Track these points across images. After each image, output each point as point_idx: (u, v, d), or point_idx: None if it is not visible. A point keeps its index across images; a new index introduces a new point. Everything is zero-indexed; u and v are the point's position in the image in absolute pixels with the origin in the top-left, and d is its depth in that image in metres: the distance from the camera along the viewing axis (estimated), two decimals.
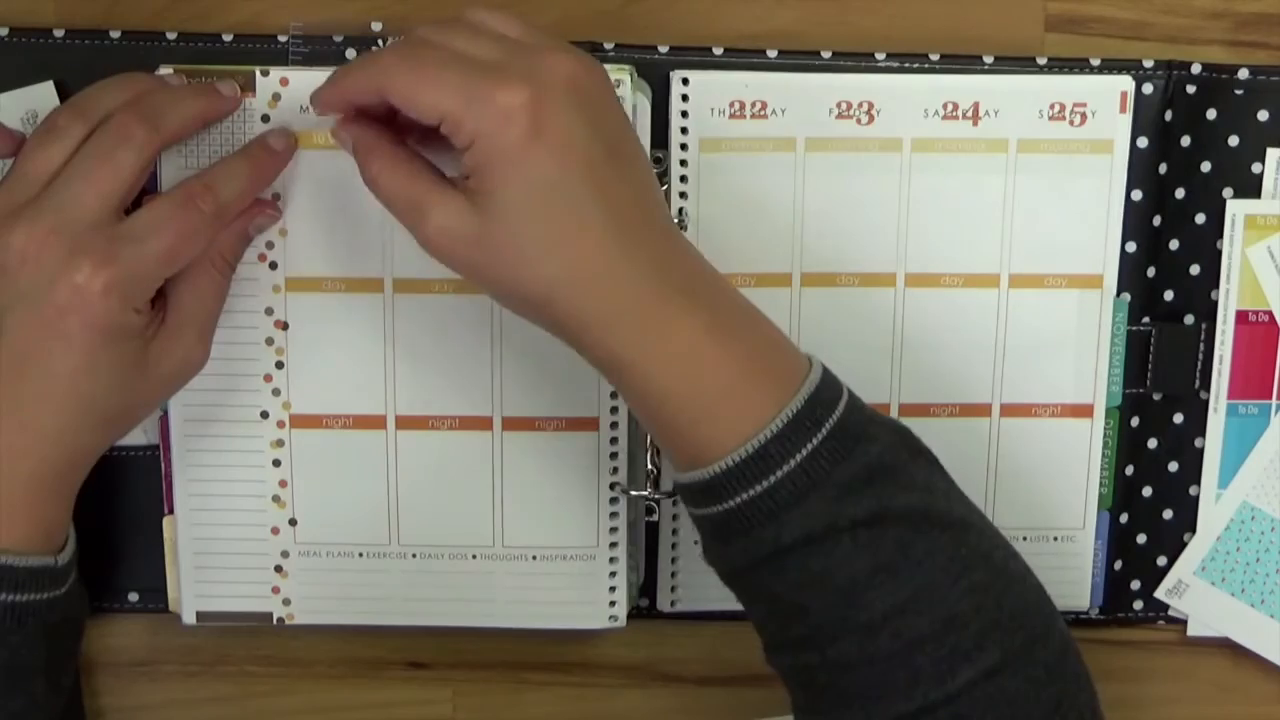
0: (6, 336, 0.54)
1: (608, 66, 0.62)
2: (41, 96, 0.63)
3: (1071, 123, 0.65)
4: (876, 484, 0.52)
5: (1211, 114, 0.66)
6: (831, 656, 0.52)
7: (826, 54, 0.65)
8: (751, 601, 0.55)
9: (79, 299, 0.54)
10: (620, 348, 0.52)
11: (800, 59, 0.64)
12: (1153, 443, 0.68)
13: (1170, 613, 0.69)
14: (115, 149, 0.55)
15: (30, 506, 0.56)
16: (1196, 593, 0.68)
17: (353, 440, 0.64)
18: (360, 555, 0.65)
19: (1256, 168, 0.66)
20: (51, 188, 0.55)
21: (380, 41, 0.64)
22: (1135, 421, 0.68)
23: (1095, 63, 0.65)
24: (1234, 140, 0.66)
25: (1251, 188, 0.66)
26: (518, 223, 0.51)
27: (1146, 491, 0.68)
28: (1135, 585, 0.69)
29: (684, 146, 0.64)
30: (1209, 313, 0.67)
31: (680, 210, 0.64)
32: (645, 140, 0.64)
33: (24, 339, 0.54)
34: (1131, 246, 0.66)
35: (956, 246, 0.65)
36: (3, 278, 0.54)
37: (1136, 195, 0.66)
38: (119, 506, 0.66)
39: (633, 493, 0.65)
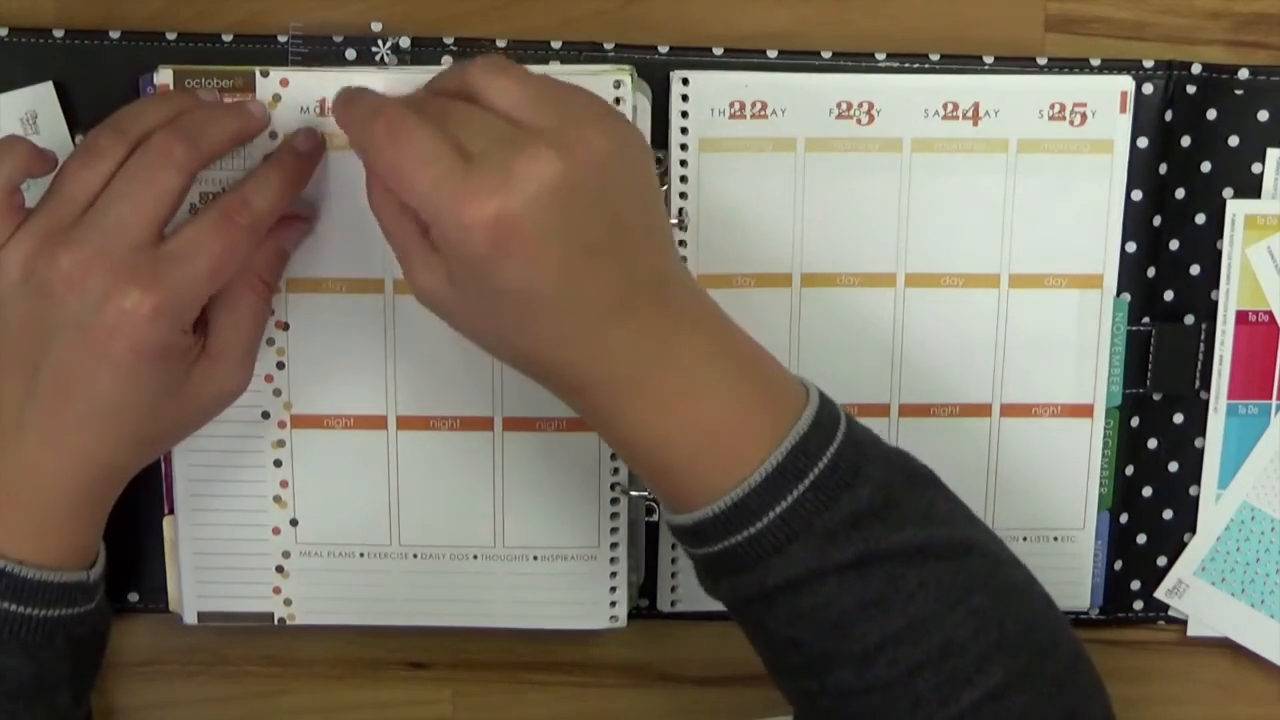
0: (52, 358, 0.54)
1: (607, 67, 0.63)
2: (41, 96, 0.63)
3: (1071, 123, 0.65)
4: (863, 528, 0.52)
5: (1211, 114, 0.66)
6: (830, 685, 0.52)
7: (826, 54, 0.65)
8: (748, 631, 0.56)
9: (126, 323, 0.53)
10: (612, 412, 0.53)
11: (800, 59, 0.64)
12: (1153, 443, 0.68)
13: (1170, 613, 0.69)
14: (157, 170, 0.55)
15: (66, 524, 0.56)
16: (1196, 593, 0.68)
17: (354, 440, 0.64)
18: (361, 555, 0.65)
19: (1256, 168, 0.66)
20: (95, 209, 0.55)
21: (380, 42, 0.64)
22: (1135, 421, 0.68)
23: (1095, 63, 0.65)
24: (1234, 140, 0.66)
25: (1251, 188, 0.66)
26: (496, 309, 0.51)
27: (1146, 491, 0.68)
28: (1135, 585, 0.69)
29: (684, 146, 0.64)
30: (1209, 313, 0.67)
31: (680, 210, 0.64)
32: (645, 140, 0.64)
33: (69, 362, 0.54)
34: (1131, 246, 0.66)
35: (956, 246, 0.65)
36: (49, 301, 0.54)
37: (1136, 195, 0.66)
38: (119, 506, 0.65)
39: (633, 493, 0.65)
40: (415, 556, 0.65)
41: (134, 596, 0.66)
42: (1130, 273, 0.66)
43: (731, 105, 0.64)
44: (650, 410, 0.52)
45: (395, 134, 0.50)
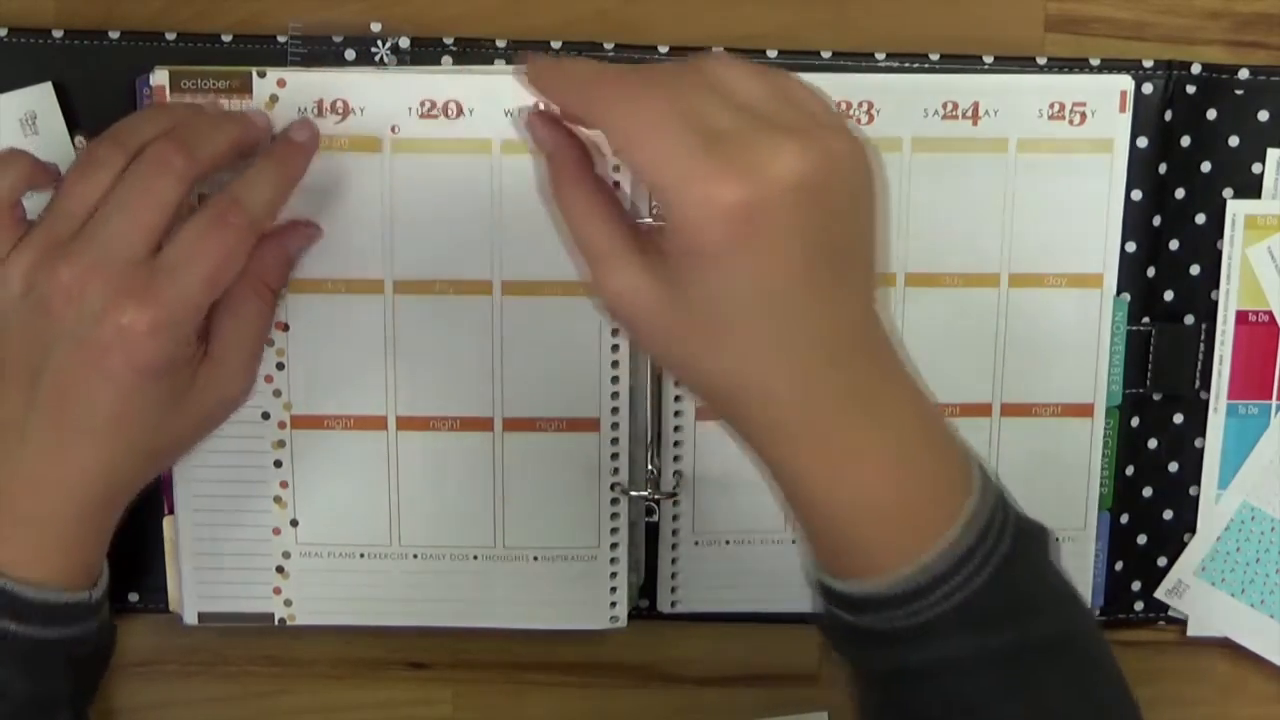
0: (50, 374, 0.53)
1: None
2: (41, 97, 0.63)
3: (1071, 122, 0.65)
4: (1018, 616, 0.50)
5: (1211, 114, 0.66)
6: None
7: (826, 54, 0.65)
8: (873, 699, 0.53)
9: (123, 339, 0.52)
10: (797, 459, 0.49)
11: (800, 59, 0.64)
12: (1153, 443, 0.68)
13: (1170, 613, 0.69)
14: (154, 179, 0.54)
15: (68, 542, 0.55)
16: (1196, 593, 0.68)
17: (354, 441, 0.64)
18: (361, 556, 0.65)
19: (1256, 168, 0.66)
20: (93, 222, 0.54)
21: (379, 42, 0.64)
22: (1135, 421, 0.68)
23: (1095, 63, 0.65)
24: (1234, 140, 0.66)
25: (1251, 188, 0.66)
26: (711, 316, 0.47)
27: (1147, 492, 0.68)
28: (1135, 586, 0.69)
29: None
30: (1209, 313, 0.67)
31: None
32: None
33: (67, 376, 0.53)
34: (1131, 246, 0.66)
35: (956, 246, 0.65)
36: (46, 317, 0.53)
37: (1136, 195, 0.66)
38: None
39: (633, 493, 0.65)
40: (415, 557, 0.65)
41: (134, 596, 0.66)
42: (1130, 273, 0.66)
43: None
44: (840, 463, 0.49)
45: (631, 96, 0.46)
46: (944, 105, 0.64)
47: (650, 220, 0.51)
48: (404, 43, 0.63)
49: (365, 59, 0.63)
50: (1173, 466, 0.68)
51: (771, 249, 0.45)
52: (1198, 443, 0.68)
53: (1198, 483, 0.68)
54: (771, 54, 0.64)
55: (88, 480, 0.55)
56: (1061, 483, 0.67)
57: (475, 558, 0.65)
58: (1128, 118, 0.65)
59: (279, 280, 0.60)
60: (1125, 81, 0.65)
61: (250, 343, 0.59)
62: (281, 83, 0.61)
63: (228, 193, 0.56)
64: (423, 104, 0.62)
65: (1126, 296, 0.66)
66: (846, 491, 0.49)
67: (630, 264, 0.48)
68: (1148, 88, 0.65)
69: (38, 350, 0.54)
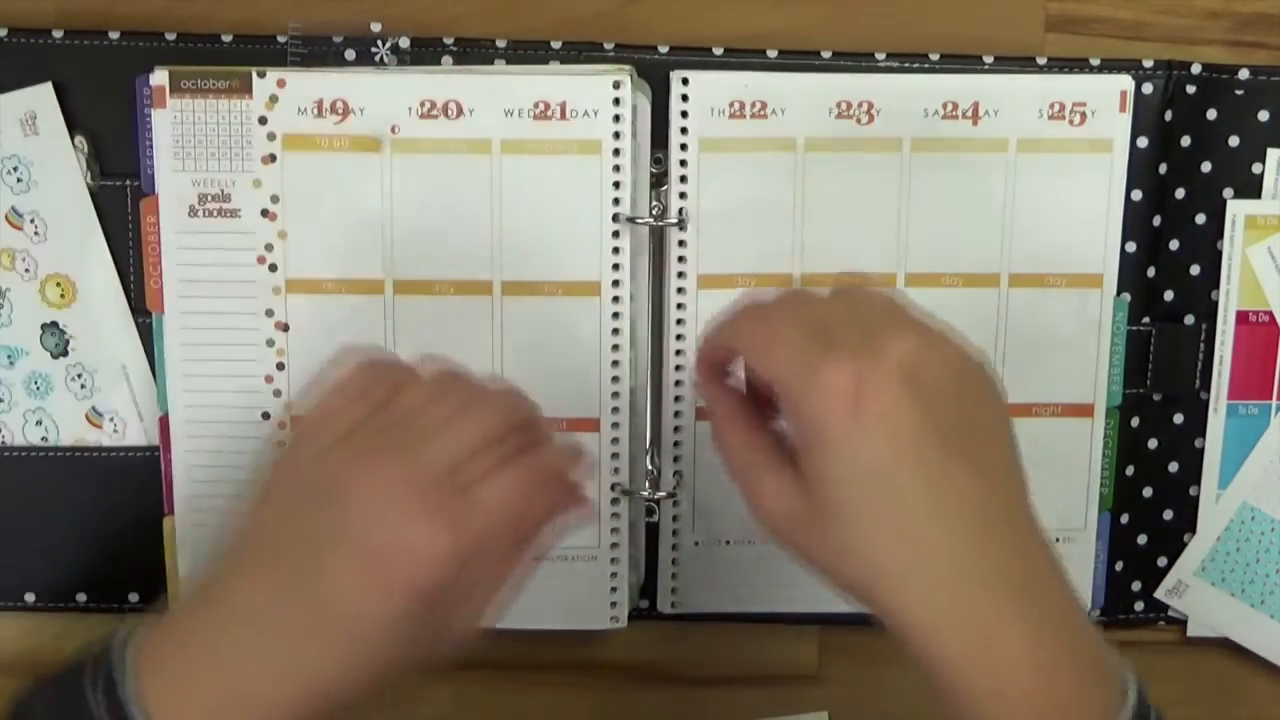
0: (316, 575, 0.49)
1: (607, 67, 0.63)
2: (41, 97, 0.63)
3: (1071, 122, 0.65)
4: None
5: (1211, 114, 0.66)
6: None
7: (826, 54, 0.65)
8: None
9: (415, 561, 0.48)
10: (941, 648, 0.48)
11: (800, 59, 0.64)
12: (1153, 443, 0.68)
13: (1170, 613, 0.69)
14: (489, 414, 0.51)
15: None
16: (1196, 593, 0.68)
17: None
18: None
19: (1257, 168, 0.66)
20: (428, 442, 0.50)
21: (379, 42, 0.64)
22: (1135, 421, 0.68)
23: (1095, 63, 0.65)
24: (1234, 140, 0.66)
25: (1252, 188, 0.66)
26: (840, 509, 0.48)
27: (1147, 492, 0.68)
28: (1136, 586, 0.69)
29: (684, 146, 0.64)
30: (1209, 313, 0.67)
31: (680, 210, 0.64)
32: (645, 140, 0.64)
33: (336, 580, 0.48)
34: (1131, 246, 0.66)
35: (956, 246, 0.65)
36: (342, 515, 0.49)
37: (1136, 195, 0.66)
38: (119, 506, 0.66)
39: (633, 493, 0.65)
40: None
41: (134, 596, 0.66)
42: (1130, 273, 0.66)
43: (731, 105, 0.64)
44: (972, 647, 0.48)
45: (765, 316, 0.51)
46: (944, 105, 0.64)
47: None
48: (404, 43, 0.63)
49: (365, 59, 0.63)
50: (1173, 466, 0.68)
51: (884, 426, 0.48)
52: (1198, 443, 0.68)
53: (1198, 483, 0.68)
54: (772, 54, 0.64)
55: (308, 688, 0.49)
56: (1061, 483, 0.67)
57: None
58: (1128, 118, 0.65)
59: (544, 545, 0.55)
60: (1125, 81, 0.65)
61: (494, 592, 0.53)
62: (281, 83, 0.61)
63: (546, 451, 0.53)
64: (423, 104, 0.62)
65: (1126, 296, 0.66)
66: (992, 679, 0.48)
67: (771, 481, 0.51)
68: (1148, 88, 0.65)
69: (314, 547, 0.49)
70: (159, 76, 0.61)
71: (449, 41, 0.64)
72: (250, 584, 0.50)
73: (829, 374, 0.48)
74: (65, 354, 0.65)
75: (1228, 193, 0.66)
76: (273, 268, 0.63)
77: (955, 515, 0.48)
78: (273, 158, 0.62)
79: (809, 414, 0.48)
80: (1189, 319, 0.67)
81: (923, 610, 0.48)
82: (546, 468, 0.52)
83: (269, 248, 0.63)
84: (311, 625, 0.49)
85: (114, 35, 0.63)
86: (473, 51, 0.64)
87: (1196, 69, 0.65)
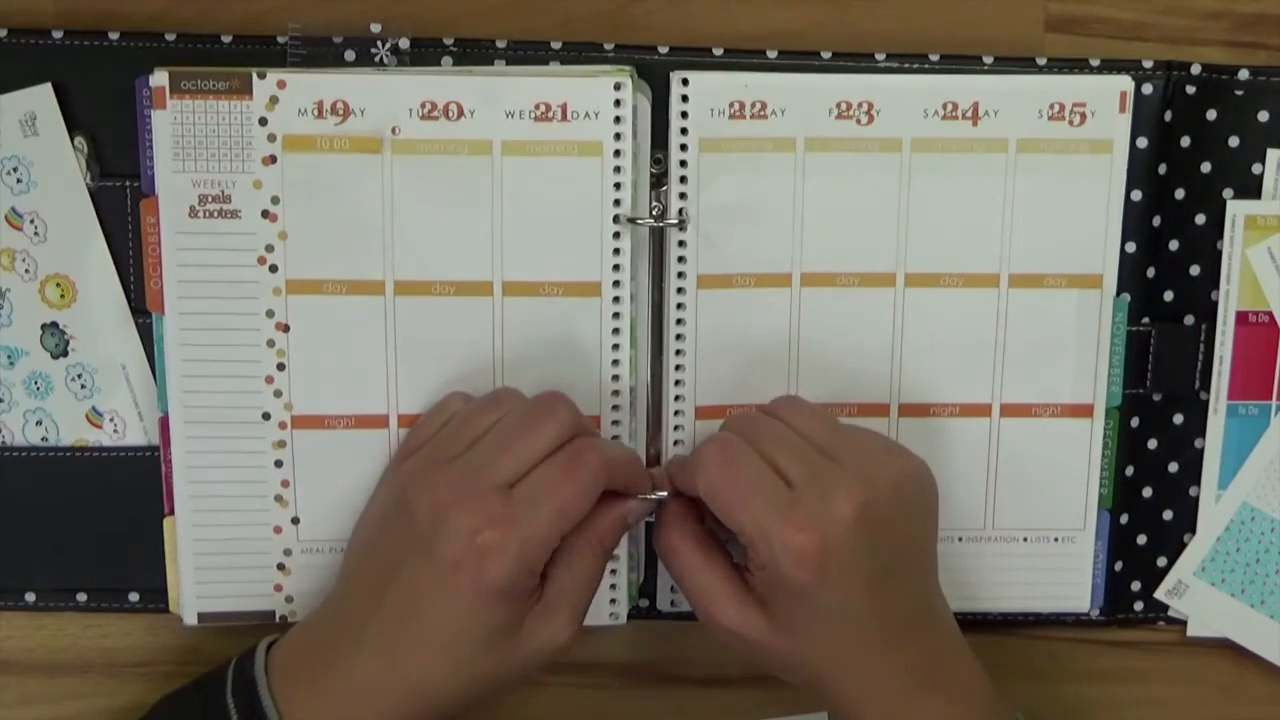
0: (399, 584, 0.57)
1: (607, 67, 0.63)
2: (40, 97, 0.63)
3: (1071, 123, 0.65)
4: None
5: (1211, 114, 0.66)
6: None
7: (826, 54, 0.65)
8: None
9: (476, 557, 0.55)
10: None
11: (800, 59, 0.64)
12: (1153, 443, 0.68)
13: (1170, 613, 0.69)
14: (540, 425, 0.58)
15: None
16: (1196, 593, 0.68)
17: (354, 440, 0.64)
18: None
19: (1256, 168, 0.66)
20: (474, 449, 0.58)
21: (379, 42, 0.64)
22: (1135, 422, 0.68)
23: (1095, 63, 0.65)
24: (1234, 141, 0.66)
25: (1251, 188, 0.66)
26: (799, 634, 0.57)
27: (1146, 492, 0.68)
28: (1135, 586, 0.69)
29: (684, 146, 0.64)
30: (1209, 313, 0.67)
31: (680, 210, 0.64)
32: (645, 140, 0.64)
33: (415, 587, 0.56)
34: (1131, 246, 0.66)
35: (956, 246, 0.65)
36: (411, 526, 0.57)
37: (1136, 195, 0.66)
38: (119, 506, 0.66)
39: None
40: None
41: (134, 596, 0.66)
42: (1130, 273, 0.66)
43: (731, 105, 0.64)
44: None
45: (729, 459, 0.58)
46: (944, 105, 0.64)
47: (744, 567, 0.59)
48: (404, 43, 0.63)
49: (365, 60, 0.63)
50: (1173, 467, 0.68)
51: (843, 576, 0.56)
52: (1198, 443, 0.68)
53: (1198, 483, 0.68)
54: (772, 54, 0.64)
55: (409, 691, 0.57)
56: (1061, 483, 0.67)
57: None
58: (1127, 118, 0.65)
59: (613, 541, 0.61)
60: (1125, 82, 0.65)
61: (580, 596, 0.60)
62: (281, 83, 0.61)
63: (586, 437, 0.59)
64: (423, 105, 0.62)
65: (1126, 297, 0.66)
66: None
67: (729, 602, 0.58)
68: (1147, 88, 0.65)
69: (395, 557, 0.57)
70: (159, 77, 0.61)
71: (449, 42, 0.64)
72: (357, 598, 0.59)
73: (796, 539, 0.55)
74: (65, 354, 0.65)
75: (1227, 193, 0.66)
76: (273, 268, 0.63)
77: (891, 629, 0.57)
78: (273, 159, 0.62)
79: (776, 571, 0.56)
80: (1189, 319, 0.67)
81: (857, 695, 0.58)
82: (597, 469, 0.58)
83: (269, 248, 0.63)
84: (398, 632, 0.57)
85: (114, 35, 0.63)
86: (473, 52, 0.64)
87: (1196, 69, 0.65)
